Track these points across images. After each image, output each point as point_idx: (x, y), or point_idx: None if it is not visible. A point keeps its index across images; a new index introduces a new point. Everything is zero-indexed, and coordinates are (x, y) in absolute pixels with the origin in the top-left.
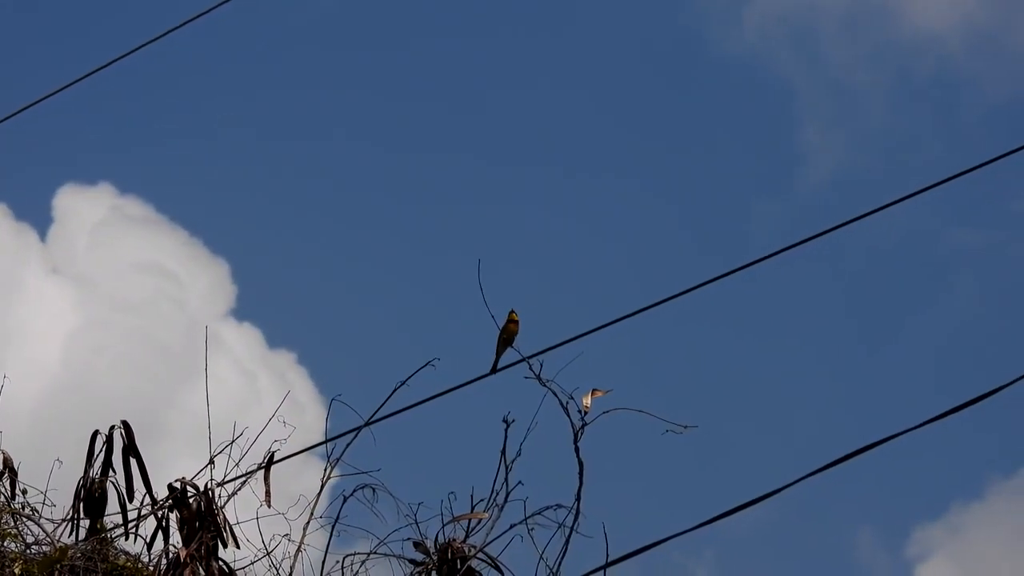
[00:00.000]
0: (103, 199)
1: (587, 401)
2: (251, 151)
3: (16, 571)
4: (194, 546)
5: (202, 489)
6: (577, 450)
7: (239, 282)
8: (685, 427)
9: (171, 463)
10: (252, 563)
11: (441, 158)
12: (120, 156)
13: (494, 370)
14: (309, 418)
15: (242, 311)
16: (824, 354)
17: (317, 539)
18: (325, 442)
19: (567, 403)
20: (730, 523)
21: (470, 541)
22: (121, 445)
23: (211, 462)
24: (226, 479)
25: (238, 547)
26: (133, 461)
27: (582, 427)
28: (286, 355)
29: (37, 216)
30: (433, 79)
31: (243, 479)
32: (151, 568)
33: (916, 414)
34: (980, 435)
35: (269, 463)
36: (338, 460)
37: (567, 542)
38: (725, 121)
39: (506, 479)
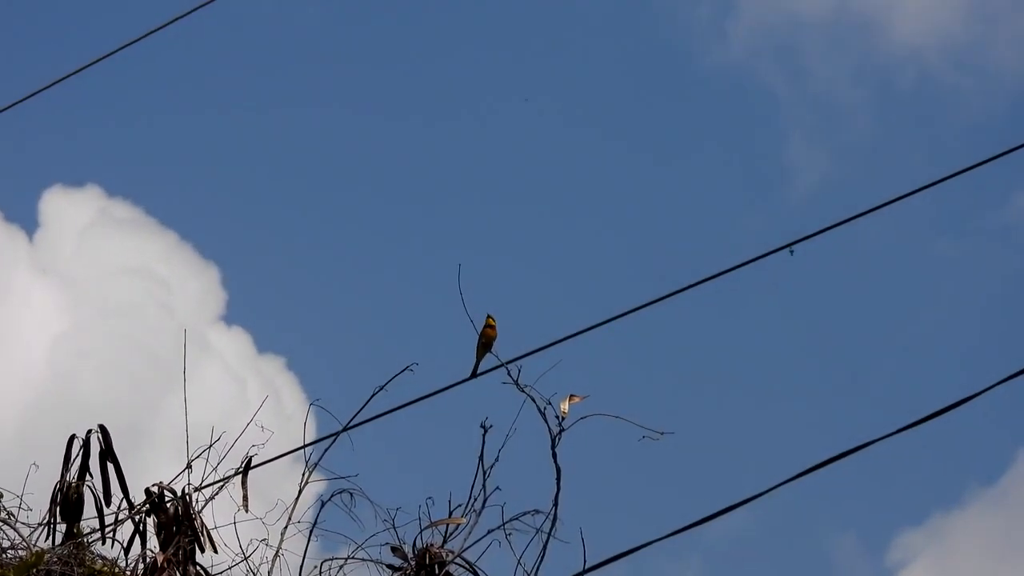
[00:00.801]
0: (91, 201)
1: (565, 407)
2: (244, 155)
3: None
4: (171, 551)
5: (179, 494)
6: (555, 456)
7: (229, 287)
8: (661, 433)
9: (156, 470)
10: (230, 568)
11: (429, 166)
12: (109, 157)
13: (474, 375)
14: (296, 424)
15: (232, 316)
16: (806, 359)
17: (295, 544)
18: (303, 447)
19: (545, 409)
20: (713, 529)
21: (448, 546)
22: (98, 449)
23: (188, 467)
24: (204, 484)
25: (216, 552)
26: (110, 465)
27: (559, 433)
28: (275, 360)
29: (24, 218)
30: (420, 90)
31: (221, 484)
32: (128, 572)
33: (897, 419)
34: (961, 442)
35: (247, 468)
36: (316, 465)
37: (544, 548)
38: (710, 134)
39: (484, 484)
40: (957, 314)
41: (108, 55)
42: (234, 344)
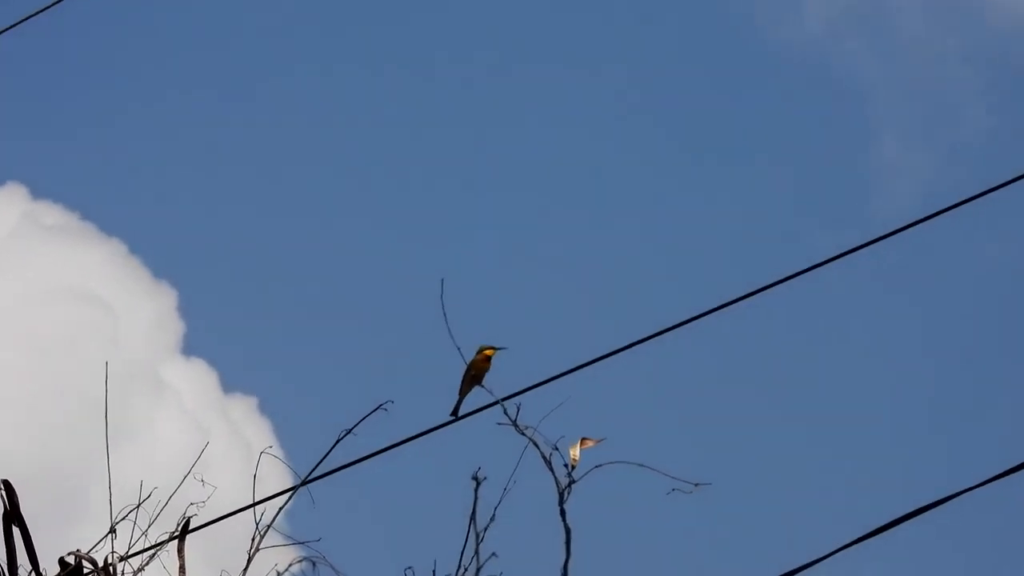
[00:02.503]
0: (12, 204)
1: (575, 453)
2: (206, 150)
3: None
4: None
5: (101, 564)
6: (563, 513)
7: (188, 313)
8: (696, 485)
9: (93, 540)
10: None
11: (423, 160)
12: (34, 150)
13: (455, 414)
14: (271, 478)
15: (192, 347)
16: (880, 397)
17: None
18: (252, 506)
19: (551, 456)
20: None
21: None
22: (1, 511)
23: (112, 531)
24: (131, 551)
25: None
26: (16, 530)
27: (569, 485)
28: (244, 401)
29: None
30: (414, 84)
31: (153, 551)
32: None
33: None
34: None
35: (183, 531)
36: (268, 528)
37: None
38: (780, 128)
39: (476, 550)
40: None
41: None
42: (195, 382)
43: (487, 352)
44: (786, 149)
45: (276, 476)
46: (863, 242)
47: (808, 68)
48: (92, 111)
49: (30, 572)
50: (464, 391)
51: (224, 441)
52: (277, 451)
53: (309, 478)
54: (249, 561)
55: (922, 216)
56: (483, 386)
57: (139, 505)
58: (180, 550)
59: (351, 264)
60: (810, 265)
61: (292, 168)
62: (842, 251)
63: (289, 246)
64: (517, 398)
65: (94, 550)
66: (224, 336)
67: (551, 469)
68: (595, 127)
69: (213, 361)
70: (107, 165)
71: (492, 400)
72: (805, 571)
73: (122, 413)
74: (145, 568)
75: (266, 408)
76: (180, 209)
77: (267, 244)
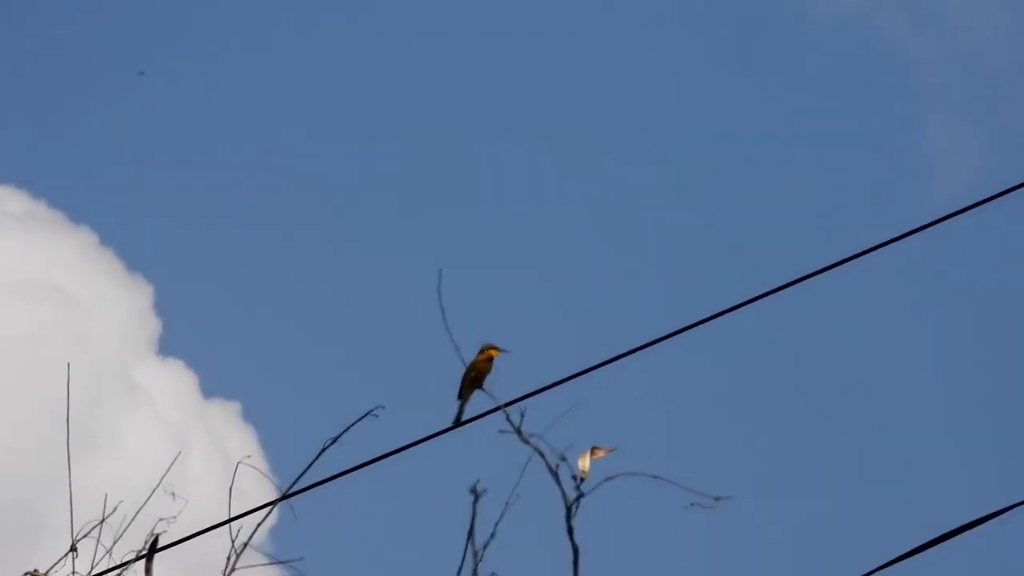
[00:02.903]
0: None
1: (584, 464)
2: (184, 132)
3: None
4: None
5: None
6: (571, 530)
7: (165, 310)
8: (717, 499)
9: (54, 558)
10: None
11: (418, 147)
12: None
13: (457, 422)
14: (255, 491)
15: (169, 348)
16: (925, 405)
17: None
18: (228, 522)
19: (557, 467)
20: None
21: None
22: None
23: (73, 549)
24: (93, 571)
25: None
26: None
27: (578, 499)
28: (226, 406)
29: None
30: (414, 79)
31: (117, 571)
32: None
33: None
34: None
35: (152, 550)
36: (245, 546)
37: None
38: (821, 108)
39: (475, 570)
40: None
41: None
42: (172, 385)
43: (490, 352)
44: (824, 128)
45: (260, 489)
46: (892, 236)
47: (849, 42)
48: (59, 90)
49: None
50: (464, 395)
51: (203, 451)
52: (261, 461)
53: (290, 492)
54: None
55: (972, 202)
56: (484, 389)
57: (103, 521)
58: (148, 570)
59: (343, 258)
60: (845, 257)
61: (279, 158)
62: (864, 248)
63: (274, 238)
64: (521, 403)
65: (53, 570)
66: (204, 336)
67: (558, 481)
68: (627, 107)
69: (192, 363)
70: (77, 148)
71: (494, 405)
72: None
73: (91, 419)
74: None
75: (250, 415)
76: (157, 197)
77: (251, 236)
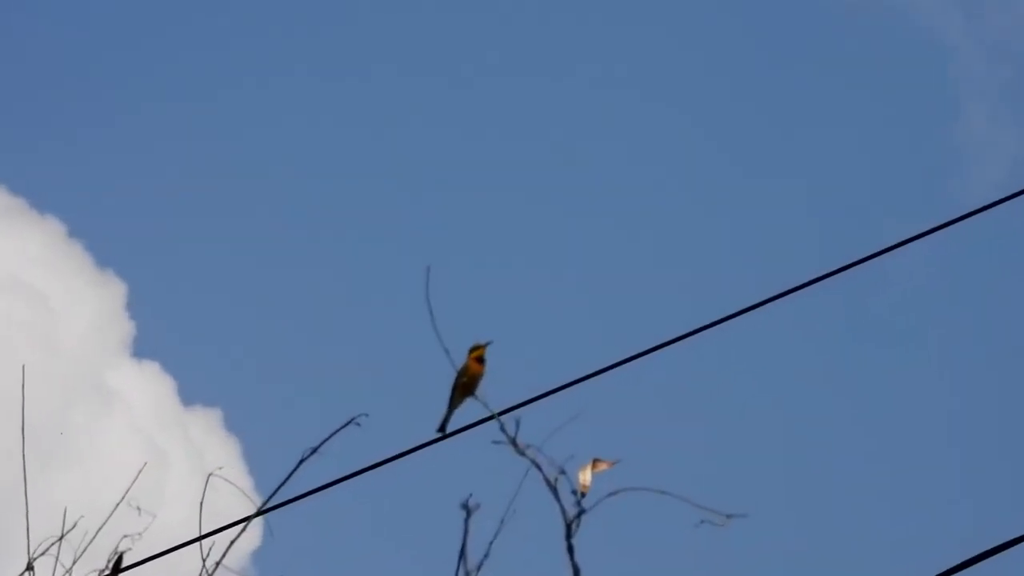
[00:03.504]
0: None
1: (586, 478)
2: (160, 121)
3: None
4: None
5: None
6: (571, 549)
7: (139, 309)
8: (728, 516)
9: None
10: None
11: (410, 146)
12: None
13: (443, 431)
14: (238, 504)
15: (144, 350)
16: (940, 421)
17: None
18: (199, 539)
19: (557, 481)
20: None
21: None
22: None
23: (30, 567)
24: None
25: None
26: None
27: (578, 515)
28: (206, 414)
29: None
30: (407, 80)
31: None
32: None
33: None
34: None
35: (116, 569)
36: (218, 565)
37: None
38: (851, 98)
39: None
40: None
41: None
42: (147, 390)
43: (479, 351)
44: (855, 119)
45: (240, 504)
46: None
47: (882, 28)
48: (23, 73)
49: None
50: (454, 402)
51: (182, 462)
52: (242, 474)
53: (266, 507)
54: None
55: (1007, 194)
56: (476, 396)
57: (62, 537)
58: None
59: (328, 259)
60: (855, 261)
61: (263, 153)
62: (890, 244)
63: (256, 235)
64: (517, 411)
65: None
66: (182, 337)
67: (557, 497)
68: (650, 94)
69: (169, 366)
70: (43, 133)
71: (487, 414)
72: None
73: (59, 427)
74: None
75: (233, 423)
76: (129, 186)
77: (231, 231)
